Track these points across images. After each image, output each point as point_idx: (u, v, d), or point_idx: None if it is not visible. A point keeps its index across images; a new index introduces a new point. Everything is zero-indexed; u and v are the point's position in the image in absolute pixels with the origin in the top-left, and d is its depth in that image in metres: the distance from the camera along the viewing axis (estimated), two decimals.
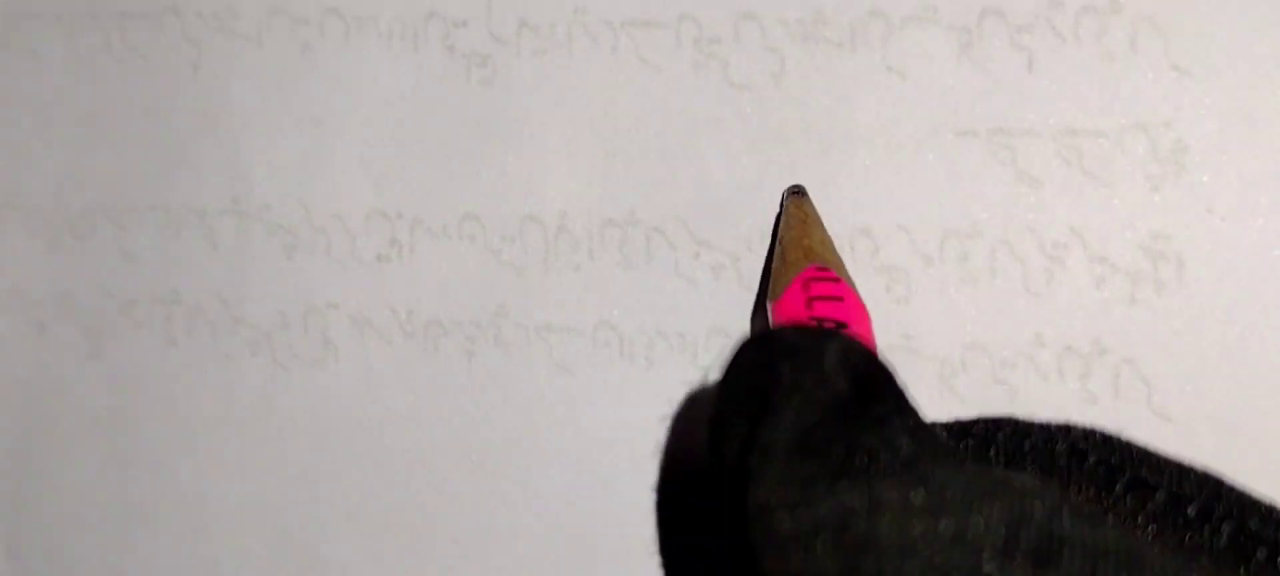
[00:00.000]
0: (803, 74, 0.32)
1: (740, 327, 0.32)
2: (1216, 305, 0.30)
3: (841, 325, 0.26)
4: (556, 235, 0.33)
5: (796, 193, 0.31)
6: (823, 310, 0.26)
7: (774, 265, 0.29)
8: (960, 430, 0.20)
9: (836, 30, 0.31)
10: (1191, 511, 0.18)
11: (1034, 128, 0.30)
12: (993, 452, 0.20)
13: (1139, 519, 0.18)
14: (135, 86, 0.35)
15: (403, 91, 0.34)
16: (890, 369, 0.21)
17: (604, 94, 0.33)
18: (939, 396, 0.31)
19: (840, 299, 0.27)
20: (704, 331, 0.33)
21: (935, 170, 0.31)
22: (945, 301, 0.31)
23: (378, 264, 0.34)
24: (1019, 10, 0.30)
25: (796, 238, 0.29)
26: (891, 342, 0.31)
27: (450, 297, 0.34)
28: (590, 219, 0.33)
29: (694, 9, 0.32)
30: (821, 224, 0.30)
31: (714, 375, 0.32)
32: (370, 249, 0.34)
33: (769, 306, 0.28)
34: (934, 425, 0.20)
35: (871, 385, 0.20)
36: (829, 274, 0.27)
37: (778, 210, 0.32)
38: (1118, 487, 0.19)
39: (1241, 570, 0.17)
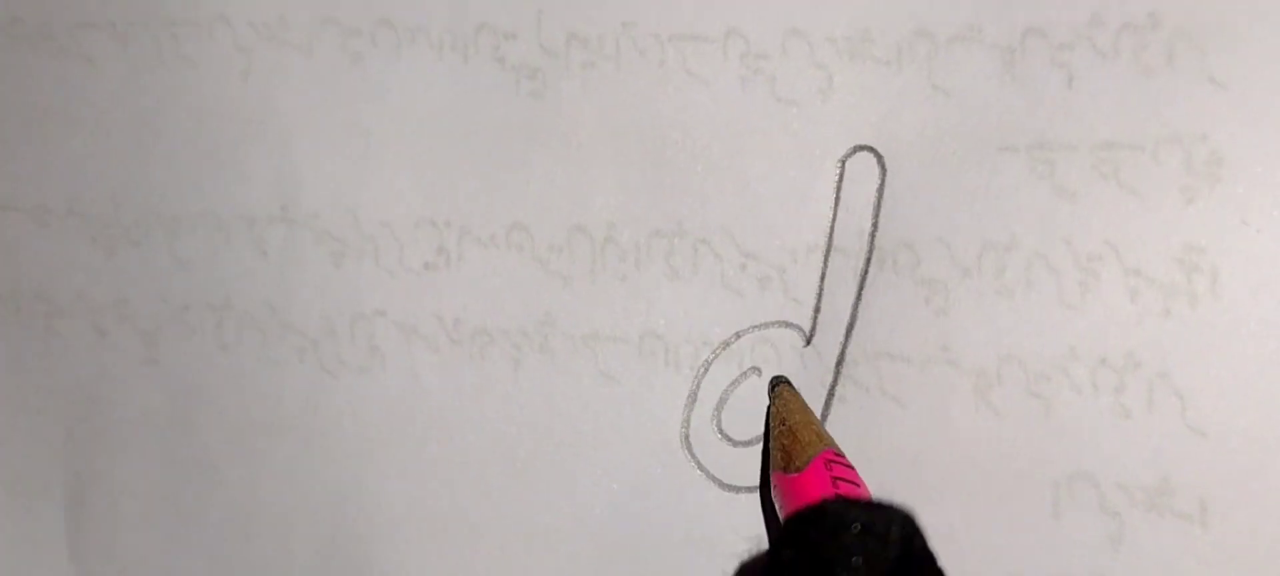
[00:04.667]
0: (849, 90, 0.32)
1: (784, 338, 0.33)
2: (1251, 318, 0.30)
3: None
4: (603, 245, 0.33)
5: (784, 381, 0.33)
6: (845, 490, 0.28)
7: (783, 442, 0.30)
8: None
9: (883, 48, 0.32)
10: None
11: (1072, 142, 0.31)
12: None
13: None
14: (186, 94, 0.36)
15: (452, 102, 0.34)
16: (927, 539, 0.24)
17: (651, 106, 0.33)
18: (975, 409, 0.32)
19: (859, 484, 0.29)
20: (750, 343, 0.33)
21: (976, 184, 0.31)
22: (982, 313, 0.31)
23: (425, 272, 0.34)
24: (1061, 28, 0.31)
25: (806, 421, 0.31)
26: (929, 354, 0.32)
27: (497, 306, 0.34)
28: (637, 229, 0.33)
29: (742, 24, 0.32)
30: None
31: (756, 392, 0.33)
32: (418, 257, 0.34)
33: (782, 478, 0.30)
34: None
35: (918, 559, 0.23)
36: (845, 459, 0.29)
37: (769, 387, 0.33)
38: None
39: None
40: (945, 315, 0.32)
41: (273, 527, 0.36)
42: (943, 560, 0.31)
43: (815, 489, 0.28)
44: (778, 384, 0.33)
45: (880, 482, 0.32)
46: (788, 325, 0.33)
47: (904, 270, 0.32)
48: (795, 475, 0.29)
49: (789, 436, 0.30)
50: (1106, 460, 0.31)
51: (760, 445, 0.33)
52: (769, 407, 0.33)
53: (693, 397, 0.33)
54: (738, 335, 0.33)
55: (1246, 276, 0.30)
